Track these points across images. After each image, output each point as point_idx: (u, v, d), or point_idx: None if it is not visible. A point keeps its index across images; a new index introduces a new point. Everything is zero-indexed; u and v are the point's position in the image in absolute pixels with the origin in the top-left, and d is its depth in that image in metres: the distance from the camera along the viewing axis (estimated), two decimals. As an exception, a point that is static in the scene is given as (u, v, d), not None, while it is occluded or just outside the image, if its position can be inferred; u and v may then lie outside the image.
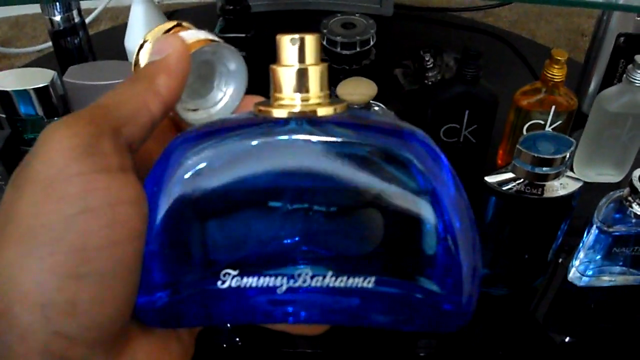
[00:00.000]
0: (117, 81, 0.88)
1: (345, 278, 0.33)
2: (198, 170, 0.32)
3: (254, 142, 0.32)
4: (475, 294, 0.34)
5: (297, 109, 0.33)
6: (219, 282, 0.33)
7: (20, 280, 0.28)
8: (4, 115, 0.92)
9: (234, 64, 0.39)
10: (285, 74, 0.34)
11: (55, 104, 0.91)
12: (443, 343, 0.82)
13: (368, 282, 0.33)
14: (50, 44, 1.19)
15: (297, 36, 0.33)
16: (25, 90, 0.89)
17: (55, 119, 0.92)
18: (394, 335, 0.82)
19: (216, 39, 0.38)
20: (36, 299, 0.28)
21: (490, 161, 1.02)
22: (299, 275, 0.33)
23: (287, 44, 0.33)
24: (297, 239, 0.33)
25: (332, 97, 0.35)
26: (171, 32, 0.38)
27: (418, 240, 0.32)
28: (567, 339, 0.82)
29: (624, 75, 0.90)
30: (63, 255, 0.28)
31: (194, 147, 0.32)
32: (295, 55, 0.33)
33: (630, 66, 0.89)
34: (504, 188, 0.72)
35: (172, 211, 0.32)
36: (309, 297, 0.33)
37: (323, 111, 0.33)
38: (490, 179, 0.73)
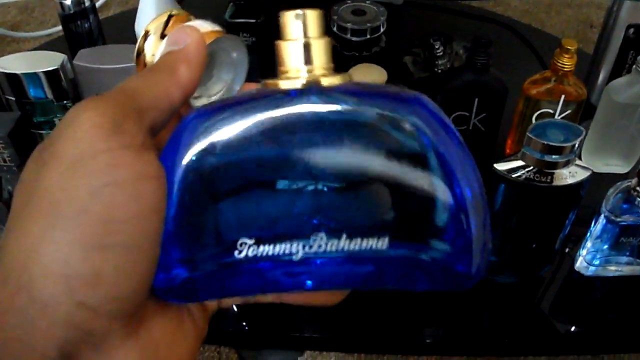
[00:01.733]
0: (126, 65, 0.89)
1: (359, 240, 0.33)
2: (210, 145, 0.32)
3: (264, 115, 0.33)
4: (487, 254, 0.34)
5: (303, 80, 0.34)
6: (236, 252, 0.33)
7: (43, 251, 0.29)
8: (13, 98, 0.92)
9: (236, 54, 0.40)
10: (290, 48, 0.35)
11: (65, 87, 0.91)
12: (449, 330, 0.82)
13: (382, 244, 0.33)
14: (58, 28, 1.20)
15: (300, 11, 0.34)
16: (35, 74, 0.89)
17: (65, 102, 0.92)
18: (400, 322, 0.82)
19: (219, 28, 0.39)
20: (60, 270, 0.29)
21: (499, 150, 1.02)
22: (314, 240, 0.33)
23: (291, 19, 0.35)
24: (310, 208, 0.33)
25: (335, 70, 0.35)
26: (173, 21, 0.39)
27: (428, 203, 0.33)
28: (572, 328, 0.82)
29: (634, 67, 0.90)
30: (89, 226, 0.29)
31: (205, 122, 0.33)
32: (299, 29, 0.35)
33: (639, 57, 0.89)
34: (513, 175, 0.72)
35: (186, 187, 0.32)
36: (325, 262, 0.34)
37: (328, 81, 0.34)
38: (500, 167, 0.73)
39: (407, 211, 0.34)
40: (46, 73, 0.89)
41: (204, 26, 0.38)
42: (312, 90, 0.34)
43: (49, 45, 1.31)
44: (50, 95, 0.91)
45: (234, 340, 0.84)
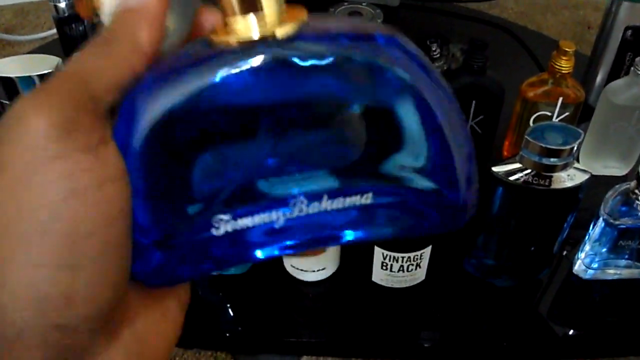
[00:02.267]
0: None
1: (342, 199, 0.31)
2: (165, 118, 0.29)
3: (215, 78, 0.29)
4: (474, 187, 0.33)
5: (254, 34, 0.30)
6: (213, 230, 0.31)
7: (8, 277, 0.27)
8: (8, 102, 0.91)
9: None
10: None
11: (59, 90, 0.91)
12: (447, 334, 0.81)
13: (366, 199, 0.32)
14: (53, 31, 1.19)
15: None
16: (29, 77, 0.88)
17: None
18: (398, 327, 0.82)
19: None
20: (29, 294, 0.27)
21: (496, 152, 1.01)
22: (294, 204, 0.31)
23: None
24: (281, 162, 0.31)
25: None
26: None
27: (406, 140, 0.31)
28: (571, 332, 0.82)
29: (631, 68, 0.90)
30: (52, 247, 0.27)
31: (155, 91, 0.29)
32: None
33: (637, 59, 0.89)
34: (511, 178, 0.71)
35: (147, 164, 0.30)
36: (308, 222, 0.32)
37: (282, 31, 0.30)
38: (498, 169, 0.72)
39: (381, 150, 0.32)
40: (40, 76, 0.89)
41: None
42: (266, 44, 0.30)
43: (44, 48, 1.31)
44: (44, 99, 0.90)
45: (230, 345, 0.83)
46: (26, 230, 0.26)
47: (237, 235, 0.32)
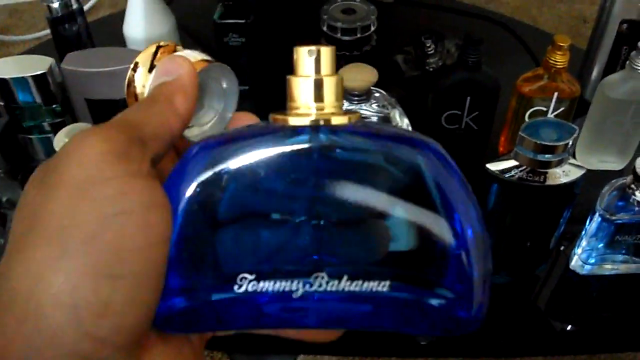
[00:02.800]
0: (114, 68, 0.88)
1: (360, 282, 0.33)
2: (215, 177, 0.32)
3: (270, 150, 0.33)
4: (486, 301, 0.34)
5: (312, 118, 0.34)
6: (235, 287, 0.33)
7: (51, 280, 0.28)
8: (2, 103, 0.91)
9: (226, 82, 0.40)
10: (302, 84, 0.34)
11: (53, 91, 0.91)
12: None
13: (383, 286, 0.33)
14: (48, 31, 1.18)
15: (314, 48, 0.34)
16: (23, 78, 0.89)
17: (54, 106, 0.92)
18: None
19: (208, 57, 0.39)
20: (68, 299, 0.28)
21: (492, 148, 1.01)
22: (315, 279, 0.33)
23: (304, 55, 0.34)
24: (311, 246, 0.33)
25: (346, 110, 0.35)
26: (161, 51, 0.39)
27: (431, 249, 0.33)
28: (569, 327, 0.82)
29: (627, 62, 0.89)
30: (98, 254, 0.29)
31: (210, 154, 0.33)
32: (312, 66, 0.34)
33: (633, 53, 0.88)
34: (506, 175, 0.71)
35: (189, 217, 0.32)
36: (324, 302, 0.33)
37: (338, 120, 0.34)
38: (492, 166, 0.72)
39: (408, 254, 0.33)
40: (34, 77, 0.89)
41: (193, 55, 0.38)
42: (320, 128, 0.33)
43: (39, 48, 1.31)
44: (38, 100, 0.91)
45: (227, 345, 0.83)
46: (75, 238, 0.28)
47: (254, 298, 0.33)
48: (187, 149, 0.34)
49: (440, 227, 0.32)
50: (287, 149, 0.33)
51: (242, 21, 1.04)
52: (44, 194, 0.30)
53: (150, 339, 0.33)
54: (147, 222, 0.30)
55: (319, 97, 0.34)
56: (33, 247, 0.29)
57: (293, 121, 0.34)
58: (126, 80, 0.39)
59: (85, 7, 1.38)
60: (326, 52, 0.34)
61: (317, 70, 0.34)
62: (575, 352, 0.83)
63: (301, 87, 0.34)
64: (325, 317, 0.34)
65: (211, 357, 1.22)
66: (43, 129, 0.95)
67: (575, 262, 0.85)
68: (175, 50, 0.39)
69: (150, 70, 0.38)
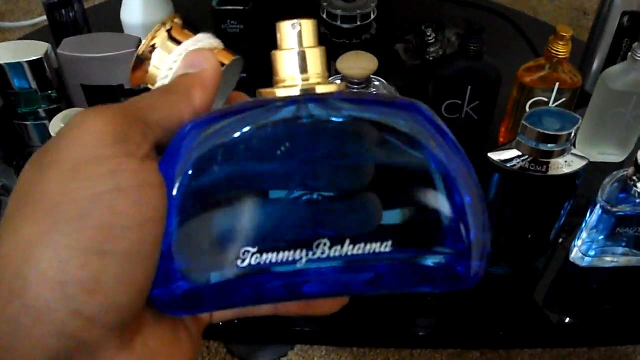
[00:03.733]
0: (111, 54, 0.87)
1: (362, 245, 0.33)
2: (209, 155, 0.32)
3: (261, 123, 0.33)
4: (485, 257, 0.34)
5: (299, 88, 0.35)
6: (239, 261, 0.32)
7: (40, 255, 0.28)
8: (-3, 88, 0.90)
9: (237, 71, 0.42)
10: (286, 57, 0.35)
11: (49, 77, 0.90)
12: (442, 322, 0.81)
13: (385, 247, 0.33)
14: (44, 18, 1.17)
15: (296, 21, 0.35)
16: (19, 63, 0.88)
17: (49, 92, 0.91)
18: (393, 315, 0.81)
19: (221, 44, 0.40)
20: (57, 276, 0.28)
21: (492, 138, 1.01)
22: (318, 247, 0.33)
23: (287, 29, 0.35)
24: (311, 216, 0.33)
25: (331, 77, 0.36)
26: (173, 31, 0.39)
27: (428, 209, 0.33)
28: (567, 320, 0.81)
29: (629, 54, 0.89)
30: (89, 230, 0.28)
31: (203, 132, 0.33)
32: (295, 39, 0.35)
33: (635, 44, 0.88)
34: (507, 165, 0.70)
35: (187, 197, 0.32)
36: (327, 268, 0.33)
37: (323, 89, 0.34)
38: (494, 156, 0.71)
39: (407, 217, 0.34)
40: (30, 63, 0.88)
41: (210, 42, 0.39)
42: (308, 98, 0.34)
43: (35, 34, 1.30)
44: (34, 86, 0.90)
45: (223, 335, 0.83)
46: (66, 214, 0.28)
47: (258, 273, 0.33)
48: (180, 129, 0.34)
49: (436, 192, 0.33)
50: (277, 120, 0.33)
51: (241, 8, 1.03)
52: (40, 172, 0.30)
53: (144, 321, 0.33)
54: (140, 200, 0.30)
55: (304, 68, 0.35)
56: (22, 224, 0.29)
57: (281, 93, 0.35)
58: (136, 55, 0.39)
59: (82, -6, 1.37)
60: (308, 24, 0.35)
61: (300, 42, 0.35)
62: (575, 344, 0.82)
63: (286, 60, 0.35)
64: (328, 285, 0.34)
65: (207, 347, 1.22)
66: (39, 115, 0.94)
67: (575, 255, 0.85)
68: (182, 30, 0.39)
69: (167, 51, 0.39)
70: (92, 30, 1.12)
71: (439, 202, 0.33)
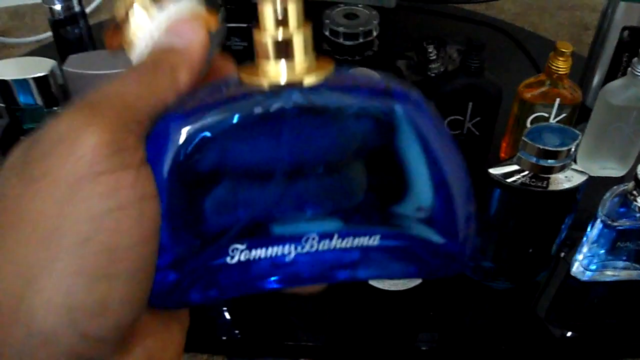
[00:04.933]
0: (117, 71, 0.87)
1: (351, 239, 0.33)
2: (195, 149, 0.31)
3: (242, 116, 0.32)
4: (471, 240, 0.35)
5: (283, 78, 0.32)
6: (228, 258, 0.33)
7: (44, 283, 0.27)
8: (3, 105, 0.91)
9: (218, 36, 0.37)
10: (269, 41, 0.32)
11: (54, 93, 0.91)
12: (445, 337, 0.81)
13: (373, 241, 0.34)
14: (50, 34, 1.18)
15: (279, 1, 0.31)
16: (24, 80, 0.88)
17: (55, 108, 0.91)
18: (395, 330, 0.81)
19: (203, 10, 0.36)
20: (62, 301, 0.27)
21: (494, 154, 1.01)
22: (306, 240, 0.33)
23: (270, 9, 0.32)
24: (295, 202, 0.33)
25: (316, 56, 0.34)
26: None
27: (413, 190, 0.34)
28: (569, 334, 0.81)
29: (629, 69, 0.90)
30: (92, 256, 0.28)
31: (188, 125, 0.31)
32: (279, 21, 0.32)
33: (635, 59, 0.88)
34: (508, 180, 0.71)
35: (172, 190, 0.31)
36: (315, 259, 0.34)
37: (309, 79, 0.32)
38: (495, 171, 0.72)
39: (393, 199, 0.34)
40: (35, 79, 0.88)
41: (191, 6, 0.35)
42: (292, 89, 0.32)
43: (40, 51, 1.30)
44: (40, 102, 0.90)
45: (226, 349, 0.83)
46: (68, 240, 0.27)
47: (247, 266, 0.33)
48: (161, 118, 0.32)
49: (420, 170, 0.33)
50: (263, 111, 0.31)
51: (245, 25, 1.04)
52: (29, 187, 0.28)
53: (141, 323, 0.33)
54: (140, 216, 0.29)
55: (290, 54, 0.32)
56: (21, 249, 0.28)
57: (262, 82, 0.32)
58: (114, 17, 0.36)
59: (87, 10, 1.38)
60: (293, 3, 0.32)
61: (285, 23, 0.32)
62: (576, 359, 0.82)
63: (268, 44, 0.32)
64: (315, 273, 0.34)
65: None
66: (44, 131, 0.94)
67: (576, 269, 0.85)
68: None
69: (146, 15, 0.35)
70: (97, 46, 1.12)
71: (423, 184, 0.33)
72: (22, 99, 0.90)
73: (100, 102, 0.30)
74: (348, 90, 0.33)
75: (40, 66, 0.89)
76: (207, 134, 0.31)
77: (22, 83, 0.88)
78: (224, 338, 0.80)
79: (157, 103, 0.31)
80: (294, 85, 0.32)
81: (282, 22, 0.32)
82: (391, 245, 0.34)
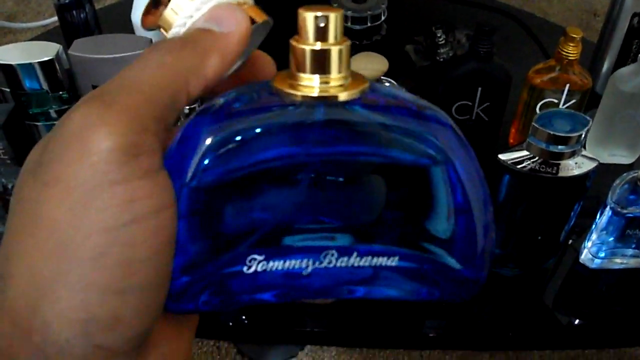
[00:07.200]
0: (123, 54, 0.87)
1: (369, 258, 0.33)
2: (220, 158, 0.31)
3: (275, 129, 0.32)
4: (488, 267, 0.35)
5: (316, 93, 0.32)
6: (245, 268, 0.32)
7: (58, 295, 0.27)
8: (8, 90, 0.90)
9: (261, 30, 0.36)
10: (307, 54, 0.31)
11: (60, 78, 0.90)
12: (452, 324, 0.81)
13: (392, 261, 0.33)
14: (55, 19, 1.18)
15: (321, 14, 0.31)
16: (30, 64, 0.88)
17: (60, 93, 0.91)
18: (402, 316, 0.81)
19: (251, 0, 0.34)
20: (77, 314, 0.27)
21: (502, 140, 1.00)
22: (325, 257, 0.33)
23: (310, 21, 0.31)
24: (316, 215, 0.33)
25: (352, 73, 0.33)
26: None
27: (435, 213, 0.33)
28: (577, 321, 0.81)
29: (639, 55, 0.89)
30: (107, 270, 0.27)
31: (214, 133, 0.31)
32: (318, 34, 0.31)
33: (645, 45, 0.88)
34: (518, 166, 0.70)
35: (194, 196, 0.31)
36: (330, 274, 0.33)
37: (344, 95, 0.32)
38: (504, 157, 0.71)
39: (415, 223, 0.34)
40: (41, 63, 0.88)
41: None
42: (328, 103, 0.32)
43: (46, 35, 1.30)
44: (45, 86, 0.90)
45: (234, 335, 0.83)
46: (82, 252, 0.27)
47: (261, 276, 0.33)
48: (186, 123, 0.32)
49: (444, 195, 0.33)
50: (295, 124, 0.32)
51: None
52: (43, 191, 0.27)
53: (157, 334, 0.32)
54: (156, 227, 0.28)
55: (325, 68, 0.31)
56: (35, 259, 0.27)
57: (296, 94, 0.32)
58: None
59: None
60: (334, 18, 0.31)
61: (324, 38, 0.31)
62: (584, 346, 0.82)
63: (306, 57, 0.31)
64: (330, 287, 0.34)
65: (218, 347, 1.22)
66: (50, 116, 0.94)
67: (585, 256, 0.84)
68: None
69: None
70: (103, 31, 1.12)
71: (447, 209, 0.33)
72: (27, 83, 0.89)
73: (116, 94, 0.28)
74: (382, 110, 0.33)
75: (46, 51, 0.89)
76: (236, 142, 0.31)
77: (28, 68, 0.88)
78: (231, 324, 0.80)
79: (178, 91, 0.30)
80: (327, 100, 0.32)
81: (322, 35, 0.31)
82: (408, 267, 0.34)
